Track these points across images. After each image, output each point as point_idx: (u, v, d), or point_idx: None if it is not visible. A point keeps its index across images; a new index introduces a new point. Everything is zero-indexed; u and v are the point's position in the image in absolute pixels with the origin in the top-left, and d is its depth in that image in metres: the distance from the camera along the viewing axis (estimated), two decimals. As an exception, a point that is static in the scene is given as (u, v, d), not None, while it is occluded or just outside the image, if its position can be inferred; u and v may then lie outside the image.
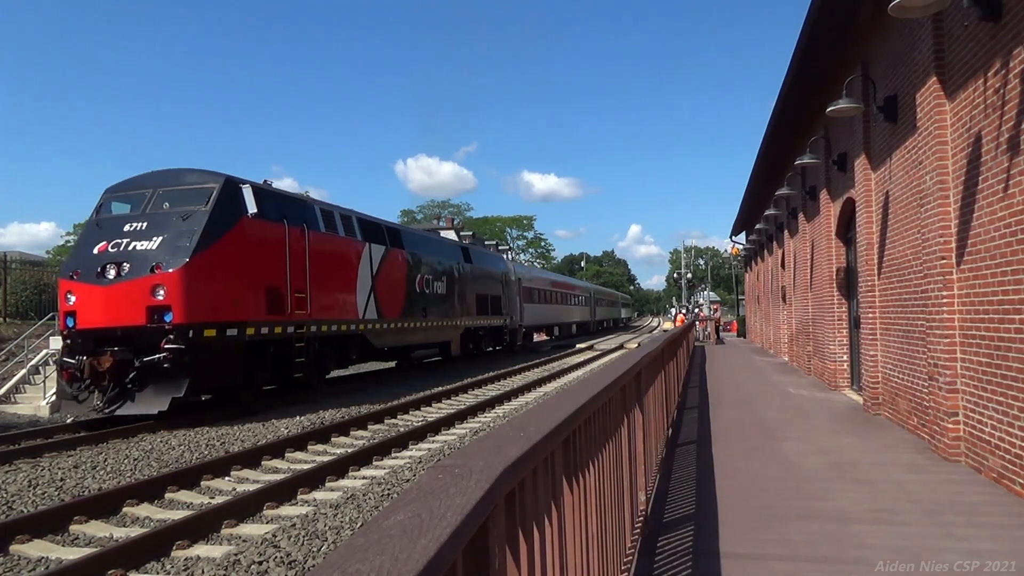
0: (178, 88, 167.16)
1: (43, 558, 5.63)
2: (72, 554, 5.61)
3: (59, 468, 8.59)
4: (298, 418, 12.31)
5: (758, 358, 20.30)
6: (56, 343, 14.22)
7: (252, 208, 12.82)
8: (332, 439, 10.60)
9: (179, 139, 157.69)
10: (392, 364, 22.30)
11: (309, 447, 10.02)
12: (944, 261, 6.21)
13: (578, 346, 34.17)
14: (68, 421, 12.75)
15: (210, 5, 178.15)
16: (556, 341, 40.99)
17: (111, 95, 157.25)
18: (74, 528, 6.33)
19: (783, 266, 19.20)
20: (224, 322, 12.25)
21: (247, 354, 13.07)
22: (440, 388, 16.13)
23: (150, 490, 7.44)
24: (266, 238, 13.37)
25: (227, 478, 8.32)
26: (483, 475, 1.21)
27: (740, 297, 45.12)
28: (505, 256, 31.89)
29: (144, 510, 6.95)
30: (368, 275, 16.92)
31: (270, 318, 13.26)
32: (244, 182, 13.18)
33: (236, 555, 5.50)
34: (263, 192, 13.64)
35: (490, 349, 28.33)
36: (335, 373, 18.13)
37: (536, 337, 41.56)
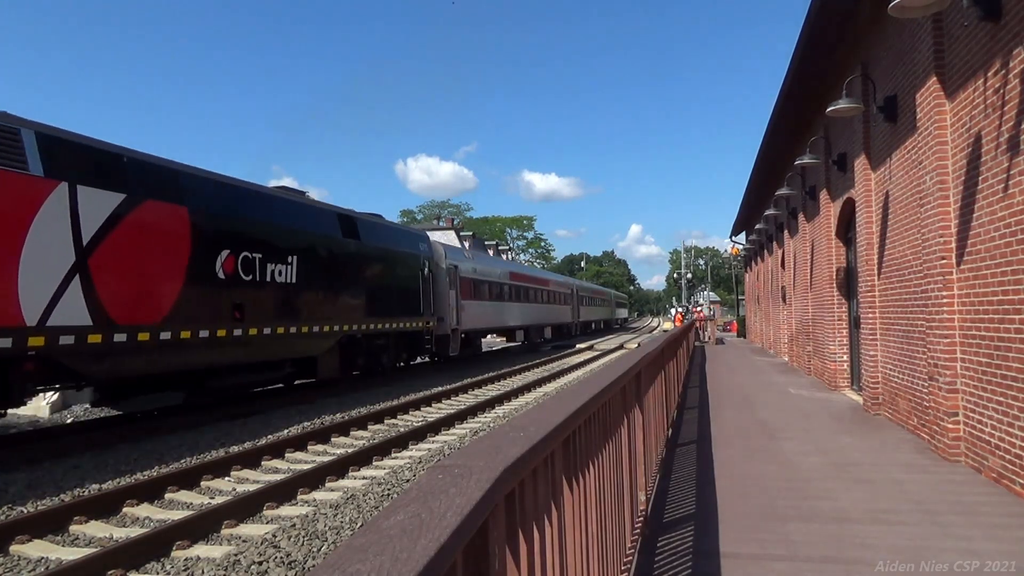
0: (178, 87, 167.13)
1: (43, 558, 5.63)
2: (72, 554, 5.61)
3: (59, 468, 8.59)
4: (298, 418, 12.31)
5: (758, 358, 20.29)
6: None
7: None
8: (332, 439, 10.59)
9: (179, 138, 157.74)
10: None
11: (309, 447, 10.01)
12: (944, 261, 6.21)
13: (578, 346, 34.13)
14: (68, 422, 12.75)
15: (210, 4, 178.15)
16: (555, 341, 39.52)
17: (110, 93, 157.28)
18: (74, 528, 6.33)
19: (783, 266, 19.20)
20: None
21: None
22: (440, 388, 16.14)
23: (150, 490, 7.44)
24: None
25: (227, 478, 8.32)
26: (483, 475, 1.21)
27: (740, 297, 45.10)
28: (432, 238, 22.51)
29: (144, 510, 6.95)
30: (65, 242, 9.21)
31: None
32: None
33: (236, 555, 5.50)
34: None
35: (402, 364, 20.34)
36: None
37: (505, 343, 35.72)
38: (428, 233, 23.30)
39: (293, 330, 13.85)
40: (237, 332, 12.27)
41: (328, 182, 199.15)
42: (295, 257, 14.17)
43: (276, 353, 13.69)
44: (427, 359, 22.77)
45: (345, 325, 15.89)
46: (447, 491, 1.12)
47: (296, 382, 16.11)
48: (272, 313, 13.33)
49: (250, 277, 12.80)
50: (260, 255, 13.13)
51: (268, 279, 13.32)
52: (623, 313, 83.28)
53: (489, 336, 34.35)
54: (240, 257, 12.57)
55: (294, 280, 14.08)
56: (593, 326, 56.67)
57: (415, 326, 19.43)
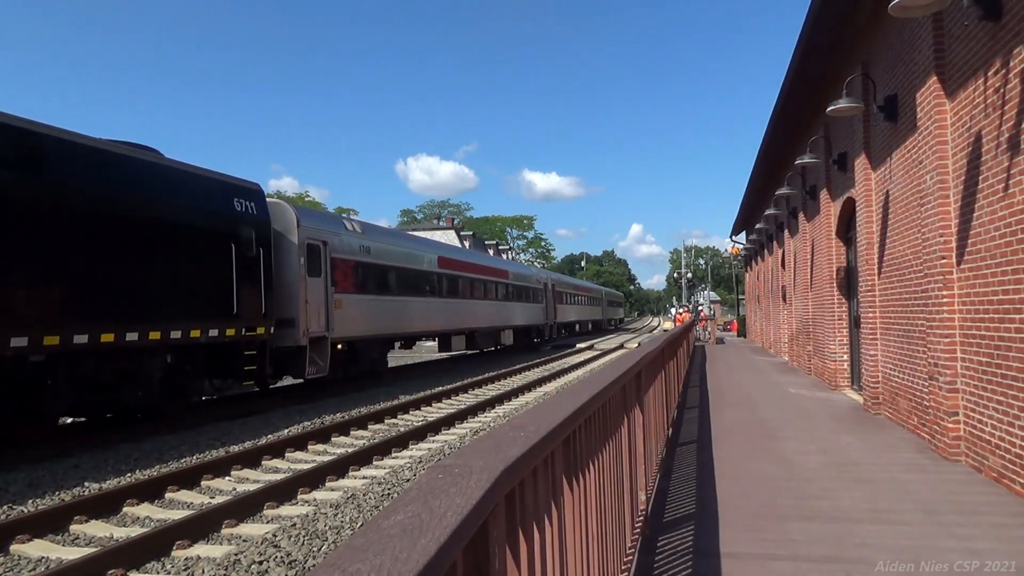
0: (177, 86, 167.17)
1: (43, 558, 5.63)
2: (72, 554, 5.61)
3: (59, 468, 8.59)
4: (298, 418, 12.31)
5: (758, 358, 20.29)
6: None
7: None
8: (332, 439, 10.60)
9: (179, 138, 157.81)
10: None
11: (309, 447, 10.02)
12: (944, 261, 6.21)
13: (578, 346, 34.12)
14: (67, 422, 12.74)
15: (210, 3, 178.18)
16: (555, 341, 38.54)
17: (109, 92, 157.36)
18: (74, 528, 6.34)
19: (783, 266, 19.20)
20: None
21: None
22: (440, 388, 16.14)
23: (150, 490, 7.44)
24: None
25: (227, 478, 8.32)
26: (483, 475, 1.21)
27: (740, 297, 45.10)
28: (280, 202, 14.99)
29: (144, 510, 6.95)
30: None
31: None
32: None
33: (236, 555, 5.50)
34: None
35: (206, 398, 13.43)
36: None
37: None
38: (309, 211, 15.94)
39: None
40: None
41: (328, 182, 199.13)
42: None
43: None
44: (258, 384, 14.02)
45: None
46: (447, 491, 1.12)
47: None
48: None
49: None
50: None
51: None
52: (618, 313, 76.26)
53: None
54: None
55: None
56: (578, 328, 47.93)
57: (214, 336, 11.63)
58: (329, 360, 14.63)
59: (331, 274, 15.10)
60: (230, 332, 12.16)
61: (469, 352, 28.31)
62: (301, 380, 15.06)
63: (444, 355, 27.67)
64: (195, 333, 11.36)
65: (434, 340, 24.75)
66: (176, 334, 10.98)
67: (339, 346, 15.53)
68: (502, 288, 28.85)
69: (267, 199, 14.00)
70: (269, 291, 13.14)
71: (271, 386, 15.28)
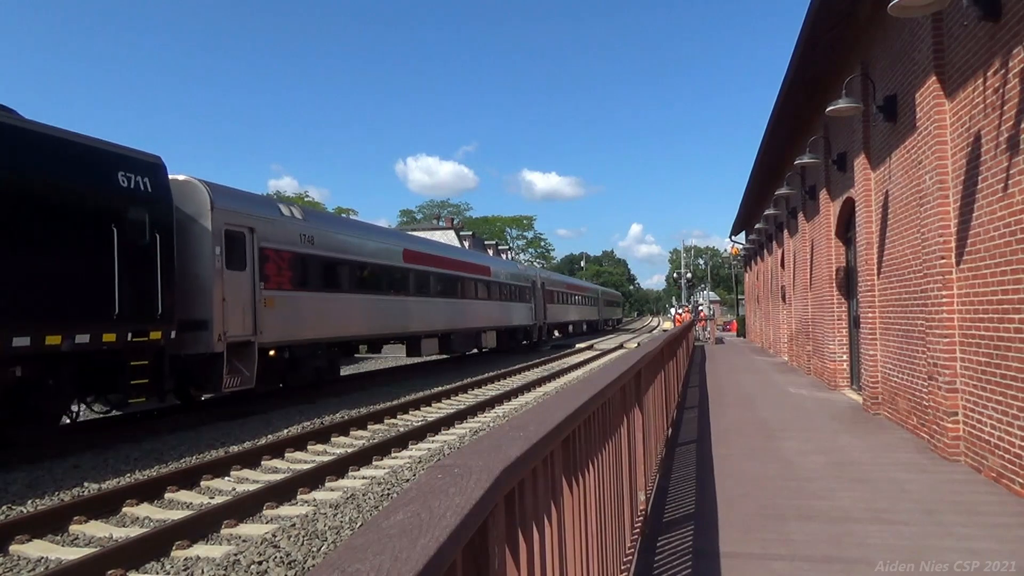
0: (177, 86, 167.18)
1: (43, 558, 5.63)
2: (72, 554, 5.61)
3: (59, 468, 8.59)
4: (298, 418, 12.31)
5: (758, 358, 20.30)
6: None
7: None
8: (332, 439, 10.60)
9: (178, 137, 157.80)
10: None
11: (309, 447, 10.02)
12: (943, 261, 6.21)
13: (578, 346, 34.12)
14: (66, 422, 12.73)
15: (210, 3, 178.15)
16: (556, 341, 38.96)
17: (109, 91, 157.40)
18: (74, 528, 6.33)
19: (783, 266, 19.21)
20: None
21: None
22: (440, 388, 16.14)
23: (150, 490, 7.44)
24: None
25: (227, 478, 8.32)
26: (483, 475, 1.21)
27: (740, 297, 45.12)
28: (187, 179, 12.02)
29: (144, 510, 6.95)
30: None
31: None
32: None
33: (236, 555, 5.50)
34: None
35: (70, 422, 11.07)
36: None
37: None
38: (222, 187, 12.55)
39: None
40: None
41: (328, 182, 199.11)
42: None
43: None
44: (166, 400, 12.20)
45: None
46: (447, 491, 1.12)
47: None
48: None
49: None
50: None
51: None
52: (616, 313, 74.05)
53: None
54: None
55: None
56: (571, 329, 45.72)
57: (84, 343, 9.33)
58: (256, 369, 12.27)
59: (260, 267, 12.66)
60: (108, 338, 9.60)
61: (439, 357, 25.45)
62: (217, 394, 12.64)
63: (413, 361, 24.07)
64: (53, 340, 8.82)
65: (402, 344, 21.01)
66: (22, 341, 8.48)
67: (272, 352, 13.32)
68: (483, 286, 26.01)
69: (175, 177, 11.44)
70: (169, 287, 10.62)
71: (204, 397, 13.28)
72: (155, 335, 10.41)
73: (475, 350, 26.68)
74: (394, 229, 24.29)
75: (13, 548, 5.81)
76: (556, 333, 42.06)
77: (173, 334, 10.77)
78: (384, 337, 18.74)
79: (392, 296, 18.41)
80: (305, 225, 14.62)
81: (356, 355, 20.96)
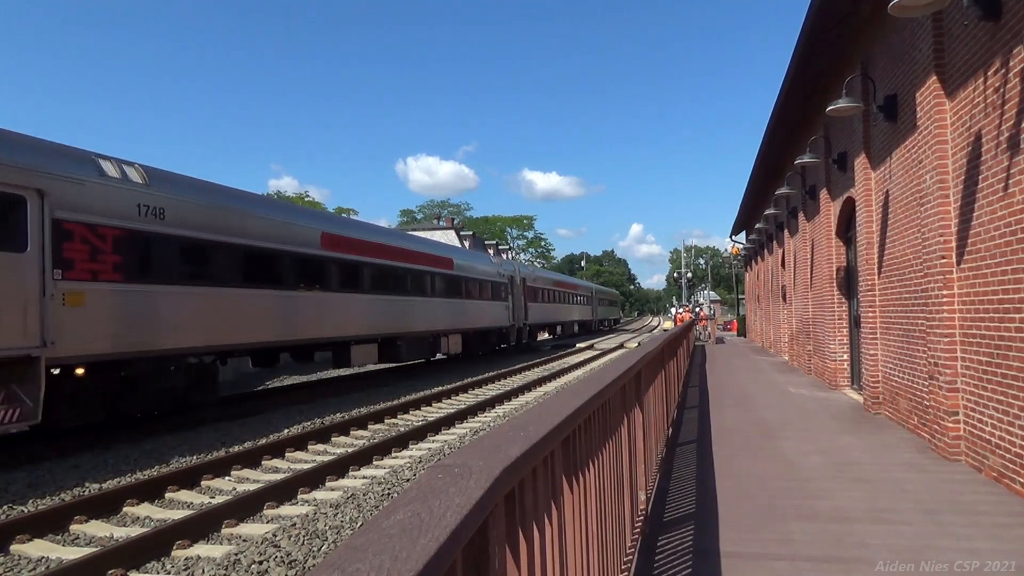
0: (177, 86, 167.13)
1: (43, 557, 5.63)
2: (72, 554, 5.62)
3: (59, 468, 8.59)
4: (298, 418, 12.31)
5: (758, 357, 20.29)
6: None
7: None
8: (332, 439, 10.60)
9: (178, 137, 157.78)
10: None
11: (309, 447, 10.02)
12: (944, 260, 6.21)
13: (578, 346, 34.12)
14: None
15: (210, 3, 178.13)
16: (556, 340, 39.05)
17: (109, 91, 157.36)
18: (74, 528, 6.34)
19: (783, 265, 19.20)
20: None
21: None
22: (440, 388, 16.14)
23: (150, 490, 7.44)
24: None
25: (227, 478, 8.32)
26: (483, 474, 1.21)
27: (740, 296, 45.09)
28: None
29: (144, 510, 6.95)
30: None
31: None
32: None
33: (236, 555, 5.50)
34: None
35: None
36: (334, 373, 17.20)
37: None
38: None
39: None
40: None
41: (328, 182, 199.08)
42: None
43: None
44: None
45: None
46: (447, 490, 1.12)
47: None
48: None
49: None
50: None
51: None
52: (614, 313, 70.12)
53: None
54: None
55: None
56: (560, 330, 41.05)
57: None
58: (42, 395, 8.43)
59: (53, 247, 8.91)
60: None
61: (438, 358, 22.81)
62: None
63: (343, 372, 20.73)
64: None
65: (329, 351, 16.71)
66: None
67: (79, 371, 9.73)
68: (441, 281, 21.69)
69: None
70: None
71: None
72: None
73: (432, 357, 22.44)
74: (300, 206, 19.59)
75: (14, 548, 5.82)
76: (546, 335, 38.60)
77: None
78: (287, 344, 14.23)
79: (302, 292, 14.26)
80: (148, 193, 10.55)
81: (312, 362, 17.23)
